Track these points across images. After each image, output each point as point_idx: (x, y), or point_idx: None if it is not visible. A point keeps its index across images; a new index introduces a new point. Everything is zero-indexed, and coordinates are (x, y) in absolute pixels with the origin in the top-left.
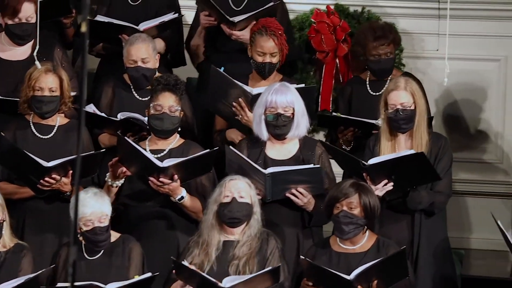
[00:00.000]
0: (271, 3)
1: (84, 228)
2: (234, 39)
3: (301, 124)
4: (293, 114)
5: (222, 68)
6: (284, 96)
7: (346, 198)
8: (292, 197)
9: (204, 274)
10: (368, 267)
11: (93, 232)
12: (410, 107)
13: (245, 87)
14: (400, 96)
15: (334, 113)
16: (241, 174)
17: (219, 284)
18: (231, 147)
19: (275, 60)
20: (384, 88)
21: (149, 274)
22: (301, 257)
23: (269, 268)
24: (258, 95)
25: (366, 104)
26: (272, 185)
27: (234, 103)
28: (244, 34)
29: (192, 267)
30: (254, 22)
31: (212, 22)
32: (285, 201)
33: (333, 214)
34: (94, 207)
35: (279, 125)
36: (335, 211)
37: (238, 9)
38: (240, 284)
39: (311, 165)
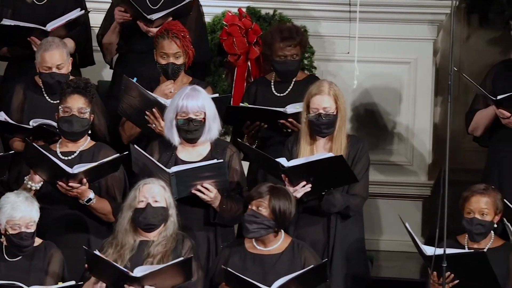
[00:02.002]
0: (188, 0)
1: (10, 232)
2: (150, 36)
3: (213, 128)
4: (204, 118)
5: (135, 78)
6: (196, 101)
7: (258, 198)
8: (198, 193)
9: (116, 264)
10: (290, 279)
11: (19, 236)
12: (332, 112)
13: (159, 98)
14: (324, 101)
15: (241, 104)
16: (146, 173)
17: (131, 273)
18: (135, 146)
19: (178, 61)
20: (290, 90)
21: (72, 282)
22: (223, 266)
23: (181, 258)
24: None
25: (270, 105)
26: (177, 184)
27: (147, 112)
28: None
29: (104, 257)
30: (171, 19)
31: (127, 18)
32: (194, 202)
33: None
34: (24, 212)
35: (190, 130)
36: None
37: (155, 7)
38: (151, 274)
39: (214, 160)
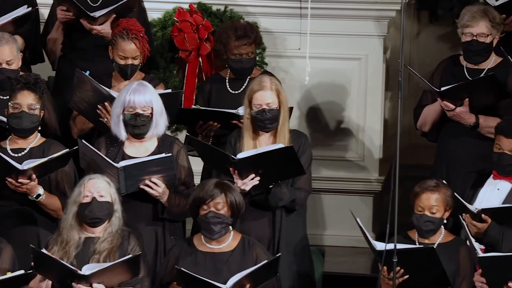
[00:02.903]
0: None
1: None
2: (94, 34)
3: (160, 123)
4: (151, 113)
5: (88, 72)
6: (143, 96)
7: (213, 200)
8: (147, 188)
9: (63, 262)
10: (245, 275)
11: None
12: (276, 107)
13: (112, 92)
14: (266, 96)
15: (194, 106)
16: (94, 168)
17: (78, 271)
18: (83, 140)
19: (136, 62)
20: (244, 87)
21: (22, 271)
22: (176, 266)
23: (130, 256)
24: None
25: (225, 102)
26: (126, 179)
27: (99, 106)
28: (104, 28)
29: (51, 255)
30: (114, 15)
31: (70, 16)
32: (142, 197)
33: (200, 215)
34: None
35: (137, 125)
36: (201, 212)
37: (96, 4)
38: (99, 272)
39: (163, 155)
